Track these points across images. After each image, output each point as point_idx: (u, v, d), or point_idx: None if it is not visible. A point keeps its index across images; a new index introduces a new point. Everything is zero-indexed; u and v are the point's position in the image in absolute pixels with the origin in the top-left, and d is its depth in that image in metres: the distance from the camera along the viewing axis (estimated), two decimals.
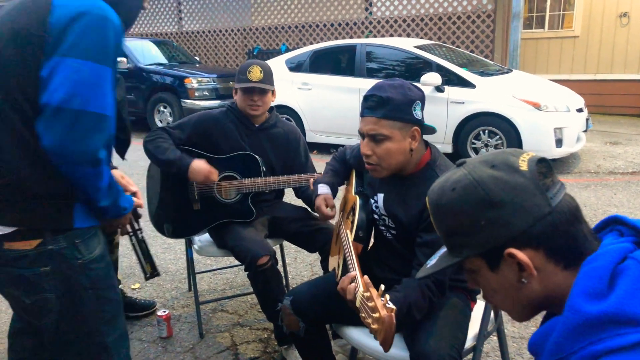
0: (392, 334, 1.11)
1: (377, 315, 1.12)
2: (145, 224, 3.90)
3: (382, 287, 1.17)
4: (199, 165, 2.17)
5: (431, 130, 1.55)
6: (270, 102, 2.33)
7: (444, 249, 0.91)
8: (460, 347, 1.48)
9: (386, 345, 1.12)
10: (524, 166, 0.79)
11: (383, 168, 1.53)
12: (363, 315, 1.20)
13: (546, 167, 0.81)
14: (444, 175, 0.88)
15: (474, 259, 0.82)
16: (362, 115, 1.52)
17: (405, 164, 1.54)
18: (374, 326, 1.12)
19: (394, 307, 1.12)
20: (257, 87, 2.24)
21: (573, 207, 0.79)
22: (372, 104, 1.48)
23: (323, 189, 1.86)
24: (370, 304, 1.16)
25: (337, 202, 1.80)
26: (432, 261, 0.92)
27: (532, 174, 0.79)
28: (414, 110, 1.48)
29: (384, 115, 1.46)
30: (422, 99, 1.52)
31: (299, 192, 2.44)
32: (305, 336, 1.75)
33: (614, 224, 0.83)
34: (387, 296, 1.14)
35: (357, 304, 1.25)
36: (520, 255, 0.76)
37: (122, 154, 1.73)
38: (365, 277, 1.26)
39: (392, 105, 1.45)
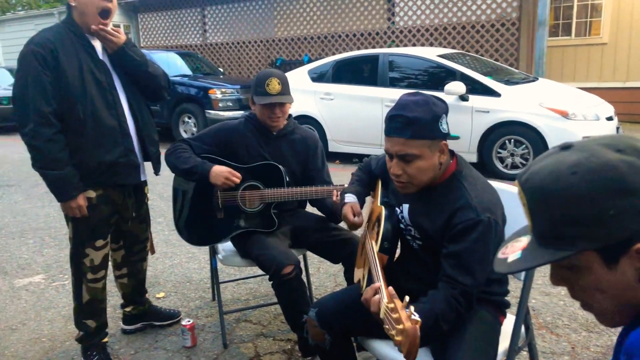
0: (417, 347, 1.08)
1: (401, 327, 1.10)
2: (170, 233, 3.96)
3: (407, 298, 1.14)
4: (220, 168, 2.20)
5: (455, 138, 1.53)
6: (289, 110, 2.34)
7: (520, 241, 0.79)
8: None
9: (410, 358, 1.09)
10: None
11: (414, 185, 1.51)
12: (387, 326, 1.17)
13: None
14: (546, 159, 0.76)
15: (586, 253, 0.72)
16: (388, 134, 1.48)
17: (434, 177, 1.52)
18: (398, 338, 1.10)
19: (418, 319, 1.10)
20: (278, 102, 2.24)
21: None
22: (398, 125, 1.44)
23: (349, 198, 1.84)
24: (394, 316, 1.14)
25: (364, 212, 1.77)
26: (513, 255, 0.79)
27: None
28: (441, 125, 1.45)
29: (412, 135, 1.42)
30: (446, 112, 1.49)
31: (315, 200, 2.41)
32: (330, 348, 1.73)
33: None
34: (412, 307, 1.12)
35: (381, 315, 1.22)
36: None
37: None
38: (390, 288, 1.23)
39: (420, 124, 1.42)
